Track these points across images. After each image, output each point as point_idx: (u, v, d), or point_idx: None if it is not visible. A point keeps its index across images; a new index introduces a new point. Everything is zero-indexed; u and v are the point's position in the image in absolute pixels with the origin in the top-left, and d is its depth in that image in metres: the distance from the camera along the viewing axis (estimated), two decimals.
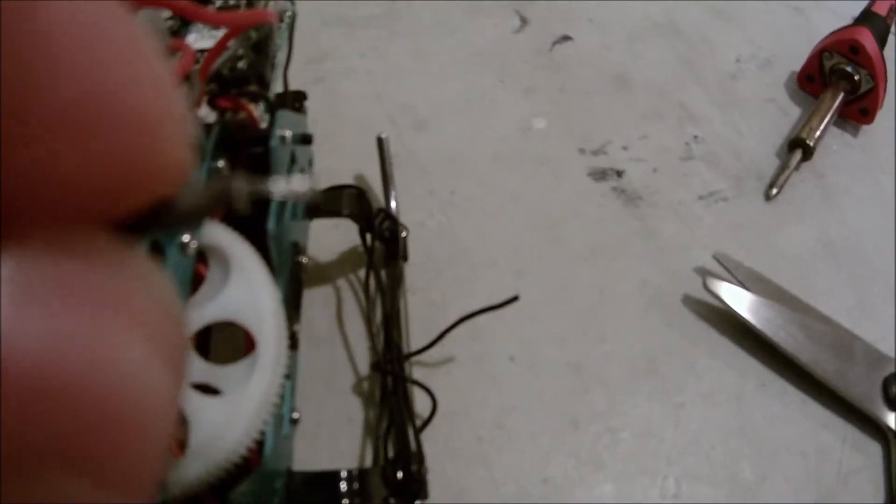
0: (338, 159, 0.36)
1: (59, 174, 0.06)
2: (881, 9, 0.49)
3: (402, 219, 0.33)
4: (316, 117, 0.37)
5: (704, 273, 0.35)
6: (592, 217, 0.37)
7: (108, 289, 0.06)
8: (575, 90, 0.42)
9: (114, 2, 0.06)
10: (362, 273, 0.32)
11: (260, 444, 0.20)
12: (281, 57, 0.33)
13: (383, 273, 0.32)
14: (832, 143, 0.43)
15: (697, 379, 0.32)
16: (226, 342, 0.22)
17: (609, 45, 0.45)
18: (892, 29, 0.48)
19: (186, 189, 0.08)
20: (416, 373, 0.30)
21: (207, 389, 0.18)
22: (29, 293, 0.06)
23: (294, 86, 0.38)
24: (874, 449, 0.31)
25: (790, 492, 0.29)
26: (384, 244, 0.32)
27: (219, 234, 0.20)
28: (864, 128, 0.44)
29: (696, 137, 0.41)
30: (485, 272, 0.34)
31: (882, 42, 0.46)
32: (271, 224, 0.21)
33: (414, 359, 0.30)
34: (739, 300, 0.33)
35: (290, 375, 0.23)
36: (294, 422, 0.24)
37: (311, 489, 0.23)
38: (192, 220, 0.09)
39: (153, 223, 0.08)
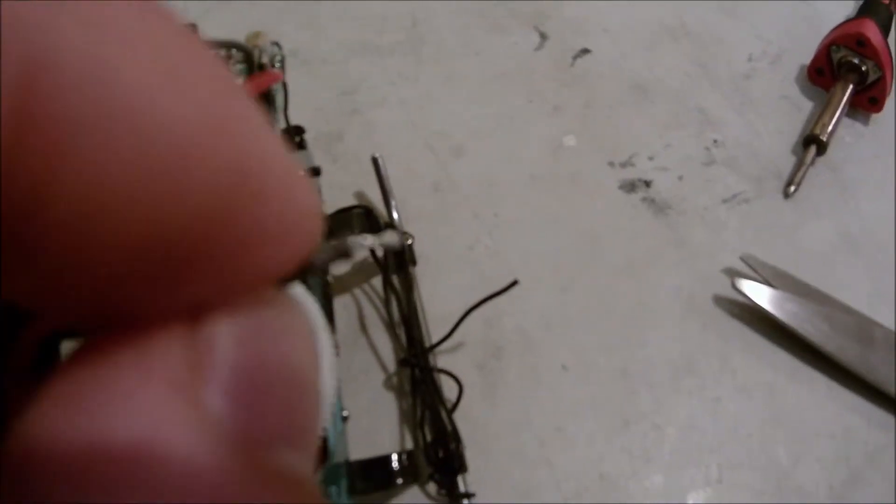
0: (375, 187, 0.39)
1: (269, 264, 0.09)
2: None
3: (453, 243, 0.37)
4: (357, 149, 0.41)
5: (733, 274, 0.38)
6: (626, 229, 0.40)
7: (292, 321, 0.10)
8: (598, 104, 0.44)
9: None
10: (376, 282, 0.36)
11: (325, 441, 0.24)
12: (279, 98, 0.36)
13: (396, 280, 0.35)
14: (845, 134, 0.45)
15: (732, 374, 0.35)
16: None
17: (626, 54, 0.47)
18: (895, 15, 0.50)
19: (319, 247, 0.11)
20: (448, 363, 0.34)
21: None
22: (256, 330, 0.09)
23: (331, 118, 0.42)
24: None
25: (822, 472, 0.33)
26: (394, 254, 0.35)
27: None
28: (875, 116, 0.47)
29: (715, 141, 0.43)
30: (532, 289, 0.37)
31: (886, 31, 0.48)
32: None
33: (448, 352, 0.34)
34: (766, 297, 0.36)
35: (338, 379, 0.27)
36: (345, 419, 0.28)
37: (368, 473, 0.28)
38: (321, 270, 0.12)
39: (299, 275, 0.10)
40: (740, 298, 0.37)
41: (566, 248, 0.38)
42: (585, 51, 0.47)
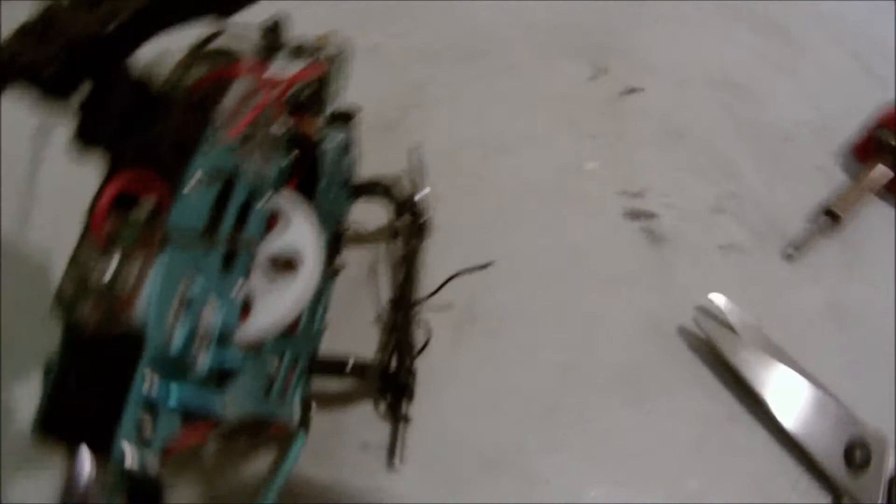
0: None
1: None
2: None
3: (465, 227, 0.43)
4: (405, 140, 0.46)
5: (702, 311, 0.40)
6: (618, 250, 0.43)
7: None
8: (631, 139, 0.48)
9: None
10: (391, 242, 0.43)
11: (296, 324, 0.32)
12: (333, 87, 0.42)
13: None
14: (871, 215, 0.45)
15: (670, 396, 0.38)
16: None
17: (676, 99, 0.50)
18: None
19: None
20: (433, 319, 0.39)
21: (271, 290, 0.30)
22: None
23: (393, 107, 0.48)
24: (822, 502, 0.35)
25: None
26: (412, 223, 0.41)
27: (287, 200, 0.32)
28: None
29: (732, 193, 0.45)
30: (518, 279, 0.41)
31: None
32: (321, 186, 0.34)
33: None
34: (725, 339, 0.38)
35: (324, 293, 0.37)
36: (323, 327, 0.37)
37: (326, 365, 0.36)
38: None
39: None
40: (701, 335, 0.39)
41: (558, 252, 0.43)
42: (635, 89, 0.51)
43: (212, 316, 0.25)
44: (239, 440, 0.35)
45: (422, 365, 0.38)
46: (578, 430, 0.37)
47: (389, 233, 0.43)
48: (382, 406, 0.37)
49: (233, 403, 0.26)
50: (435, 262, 0.41)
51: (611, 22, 0.55)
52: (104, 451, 0.20)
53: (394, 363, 0.37)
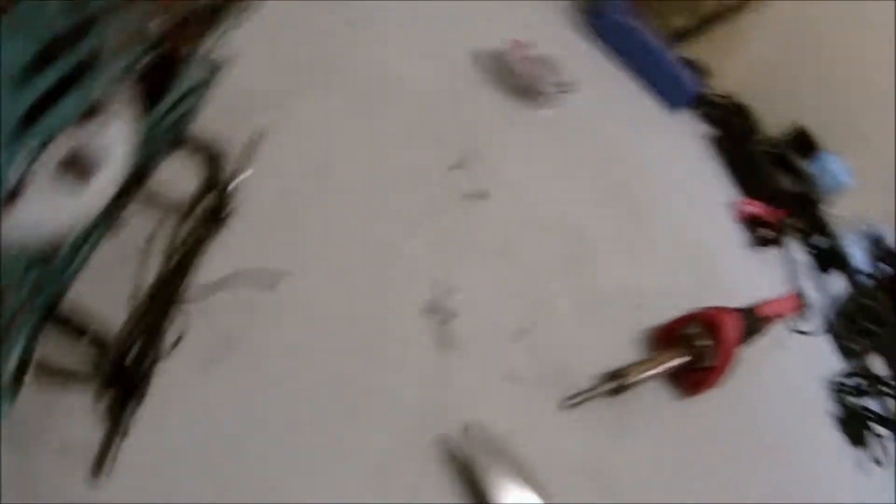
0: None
1: None
2: (764, 311, 0.55)
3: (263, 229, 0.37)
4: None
5: (469, 428, 0.37)
6: (403, 336, 0.40)
7: None
8: (464, 238, 0.46)
9: None
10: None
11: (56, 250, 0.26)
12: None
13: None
14: (652, 395, 0.46)
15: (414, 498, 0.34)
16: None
17: (518, 217, 0.50)
18: (764, 337, 0.53)
19: None
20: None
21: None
22: None
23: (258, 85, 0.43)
24: None
25: None
26: (214, 205, 0.36)
27: (120, 99, 0.26)
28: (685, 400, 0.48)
29: (535, 325, 0.44)
30: (289, 317, 0.37)
31: (746, 337, 0.51)
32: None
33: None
34: (485, 464, 0.35)
35: (96, 230, 0.30)
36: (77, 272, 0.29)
37: (65, 320, 0.28)
38: None
39: None
40: (463, 451, 0.36)
41: (347, 312, 0.39)
42: (483, 195, 0.50)
43: None
44: None
45: (161, 372, 0.30)
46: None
47: (186, 206, 0.36)
48: (102, 403, 0.28)
49: None
50: (218, 260, 0.35)
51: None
52: None
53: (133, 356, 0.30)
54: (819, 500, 0.41)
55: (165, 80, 0.29)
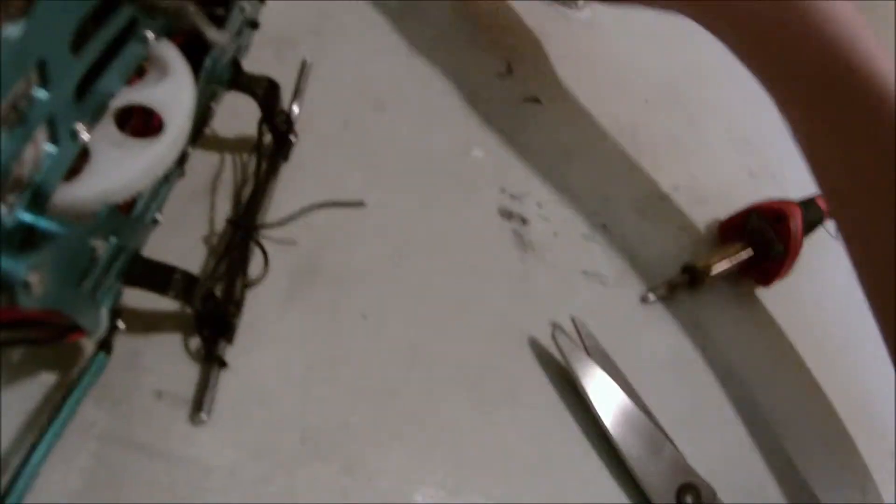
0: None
1: None
2: (824, 203, 0.54)
3: (330, 171, 0.37)
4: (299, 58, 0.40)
5: (558, 327, 0.36)
6: (485, 242, 0.39)
7: None
8: (523, 144, 0.45)
9: None
10: (246, 156, 0.36)
11: (132, 204, 0.25)
12: None
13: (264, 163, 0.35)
14: (724, 288, 0.46)
15: (514, 408, 0.33)
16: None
17: (574, 120, 0.49)
18: (826, 228, 0.52)
19: None
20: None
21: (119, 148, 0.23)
22: None
23: (291, 29, 0.42)
24: None
25: None
26: (275, 139, 0.36)
27: (171, 52, 0.25)
28: (758, 290, 0.47)
29: (604, 226, 0.44)
30: (368, 239, 0.36)
31: (809, 228, 0.50)
32: (208, 63, 0.27)
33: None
34: (578, 361, 0.35)
35: (168, 180, 0.29)
36: (155, 221, 0.28)
37: (148, 272, 0.26)
38: None
39: None
40: (554, 351, 0.36)
41: (424, 224, 0.38)
42: (536, 100, 0.48)
43: (40, 149, 0.19)
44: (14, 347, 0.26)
45: (247, 310, 0.31)
46: (414, 423, 0.31)
47: (253, 144, 0.35)
48: (194, 344, 0.29)
49: (38, 278, 0.18)
50: (285, 194, 0.35)
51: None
52: None
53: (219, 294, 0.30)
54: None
55: (216, 18, 0.29)
